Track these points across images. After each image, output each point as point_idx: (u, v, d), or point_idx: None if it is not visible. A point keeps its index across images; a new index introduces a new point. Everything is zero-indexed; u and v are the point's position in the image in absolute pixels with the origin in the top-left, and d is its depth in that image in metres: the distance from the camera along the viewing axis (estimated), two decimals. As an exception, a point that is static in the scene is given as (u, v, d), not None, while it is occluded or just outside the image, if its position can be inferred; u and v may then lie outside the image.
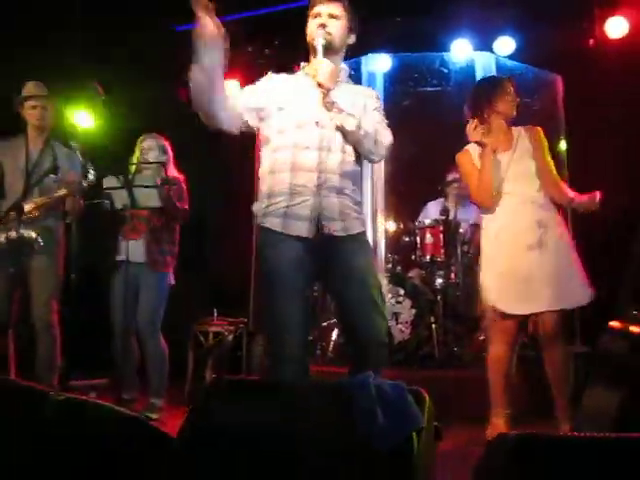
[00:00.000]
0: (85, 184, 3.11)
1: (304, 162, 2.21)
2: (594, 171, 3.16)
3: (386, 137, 2.31)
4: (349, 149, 2.27)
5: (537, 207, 2.83)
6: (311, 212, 2.18)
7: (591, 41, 4.37)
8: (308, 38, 2.29)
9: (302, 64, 2.40)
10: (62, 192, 3.16)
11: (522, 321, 2.86)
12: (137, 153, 3.58)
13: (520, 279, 2.76)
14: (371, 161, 2.40)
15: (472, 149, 2.97)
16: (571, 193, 2.85)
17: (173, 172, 3.57)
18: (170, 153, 3.62)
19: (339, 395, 1.44)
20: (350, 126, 2.19)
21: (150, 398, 3.45)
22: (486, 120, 2.92)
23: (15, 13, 3.87)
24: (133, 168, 3.50)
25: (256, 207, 2.29)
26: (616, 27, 4.21)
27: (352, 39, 2.36)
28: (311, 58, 2.30)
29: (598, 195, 2.72)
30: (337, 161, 2.23)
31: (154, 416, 3.35)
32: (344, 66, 2.42)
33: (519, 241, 2.79)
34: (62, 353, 3.25)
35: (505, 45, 4.40)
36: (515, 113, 2.94)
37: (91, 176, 3.05)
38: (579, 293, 2.76)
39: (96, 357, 3.61)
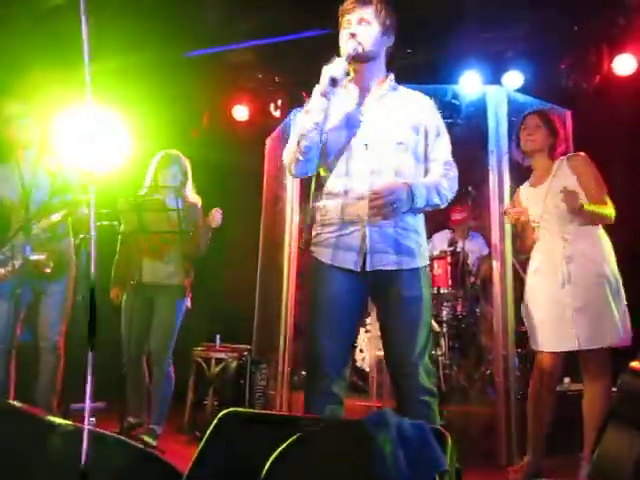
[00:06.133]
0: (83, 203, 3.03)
1: (354, 189, 2.03)
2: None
3: (451, 187, 2.11)
4: (405, 172, 2.06)
5: (566, 243, 2.78)
6: (361, 243, 2.01)
7: (597, 77, 4.39)
8: (341, 50, 2.06)
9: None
10: (64, 211, 3.07)
11: (559, 360, 2.79)
12: (154, 172, 3.40)
13: (555, 316, 2.73)
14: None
15: (523, 190, 2.98)
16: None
17: (192, 195, 3.45)
18: (189, 173, 3.48)
19: (358, 435, 1.38)
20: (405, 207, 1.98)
21: (151, 424, 3.36)
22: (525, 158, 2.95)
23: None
24: (147, 190, 3.34)
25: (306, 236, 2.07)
26: (624, 65, 4.23)
27: (390, 40, 2.15)
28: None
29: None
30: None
31: (153, 442, 3.27)
32: (390, 75, 2.18)
33: (552, 277, 2.77)
34: (63, 376, 3.18)
35: (514, 79, 4.43)
36: (530, 147, 2.89)
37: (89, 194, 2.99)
38: (611, 333, 2.65)
39: (95, 380, 3.50)
